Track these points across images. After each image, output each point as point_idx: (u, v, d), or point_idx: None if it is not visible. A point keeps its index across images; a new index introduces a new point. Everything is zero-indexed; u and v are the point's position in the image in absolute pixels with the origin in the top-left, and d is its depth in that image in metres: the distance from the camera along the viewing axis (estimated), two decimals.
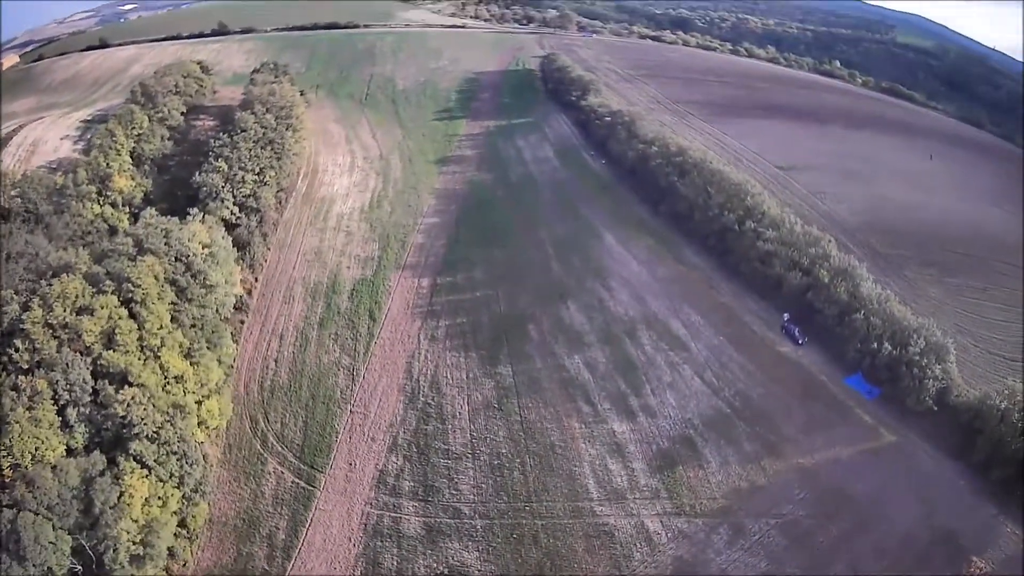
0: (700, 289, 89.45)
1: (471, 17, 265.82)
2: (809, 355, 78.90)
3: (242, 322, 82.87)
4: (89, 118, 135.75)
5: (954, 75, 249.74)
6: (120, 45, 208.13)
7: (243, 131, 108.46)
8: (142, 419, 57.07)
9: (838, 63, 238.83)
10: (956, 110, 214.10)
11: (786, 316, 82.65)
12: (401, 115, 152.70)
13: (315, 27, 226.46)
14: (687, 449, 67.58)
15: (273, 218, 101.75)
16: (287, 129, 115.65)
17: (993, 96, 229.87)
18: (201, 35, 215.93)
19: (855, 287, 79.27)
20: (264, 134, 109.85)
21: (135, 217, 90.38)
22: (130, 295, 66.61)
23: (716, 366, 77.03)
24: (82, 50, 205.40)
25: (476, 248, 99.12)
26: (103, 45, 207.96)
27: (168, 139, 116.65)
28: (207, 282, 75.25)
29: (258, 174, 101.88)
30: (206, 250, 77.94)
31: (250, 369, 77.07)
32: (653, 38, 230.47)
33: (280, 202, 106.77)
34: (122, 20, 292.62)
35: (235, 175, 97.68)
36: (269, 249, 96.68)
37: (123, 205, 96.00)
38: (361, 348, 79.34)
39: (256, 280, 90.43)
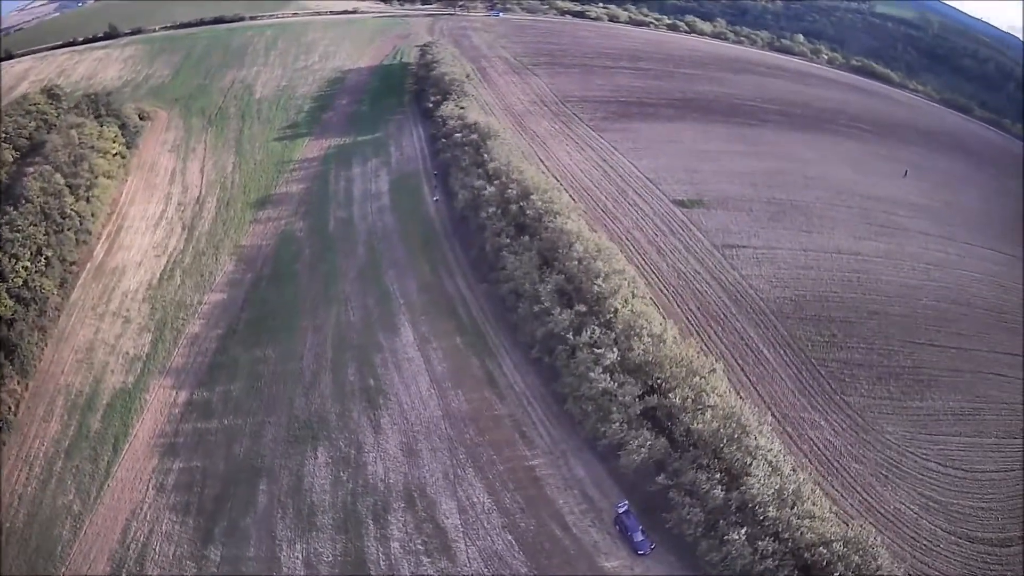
0: (504, 438, 55.70)
1: None
2: (656, 572, 45.63)
3: (3, 444, 64.53)
4: None
5: (937, 47, 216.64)
6: (19, 56, 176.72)
7: (27, 202, 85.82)
8: None
9: (801, 36, 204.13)
10: (938, 88, 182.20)
11: (623, 506, 48.92)
12: (244, 135, 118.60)
13: (201, 23, 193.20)
14: None
15: (56, 303, 78.88)
16: (75, 191, 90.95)
17: (980, 71, 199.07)
18: (94, 39, 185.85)
19: (743, 467, 45.49)
20: (46, 202, 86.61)
21: None
22: None
23: None
24: None
25: (248, 345, 70.60)
26: (8, 56, 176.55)
27: None
28: None
29: (35, 255, 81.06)
30: None
31: None
32: (576, 14, 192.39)
33: (66, 281, 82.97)
34: (80, 5, 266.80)
35: (6, 265, 77.75)
36: (47, 345, 73.56)
37: None
38: (94, 490, 58.43)
39: (27, 388, 69.74)
